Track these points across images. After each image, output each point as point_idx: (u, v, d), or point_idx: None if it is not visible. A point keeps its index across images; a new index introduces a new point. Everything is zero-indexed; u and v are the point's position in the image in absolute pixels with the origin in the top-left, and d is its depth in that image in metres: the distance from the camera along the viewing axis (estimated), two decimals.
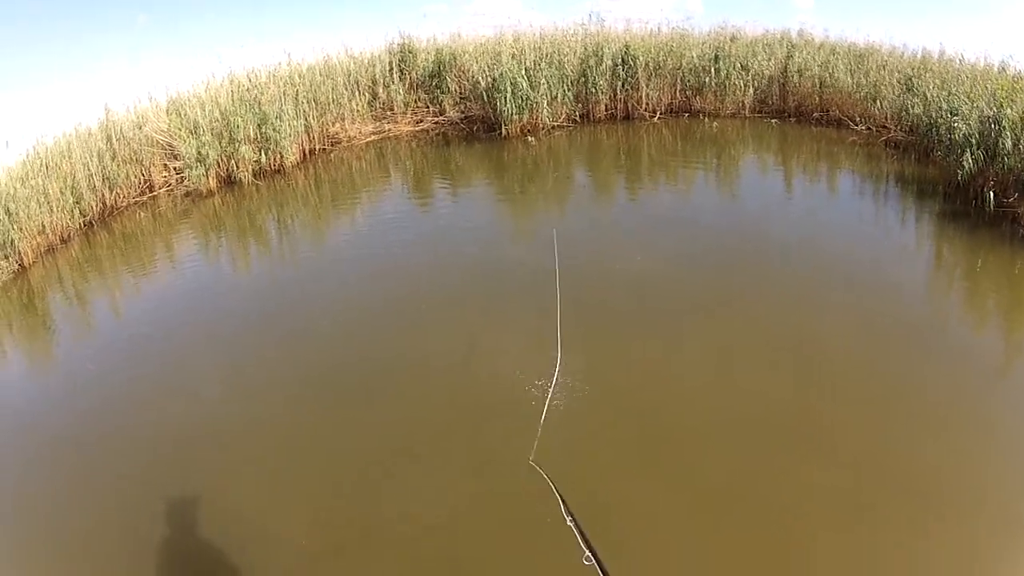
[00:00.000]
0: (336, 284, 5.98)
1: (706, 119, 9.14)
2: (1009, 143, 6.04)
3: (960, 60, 8.78)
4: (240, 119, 8.65)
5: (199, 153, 8.54)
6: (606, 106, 9.19)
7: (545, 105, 8.83)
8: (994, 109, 6.42)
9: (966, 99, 6.98)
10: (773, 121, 9.22)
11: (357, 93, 9.51)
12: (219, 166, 8.70)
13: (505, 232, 6.83)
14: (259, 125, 8.75)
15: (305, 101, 9.19)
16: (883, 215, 6.36)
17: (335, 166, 9.16)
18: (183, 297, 6.29)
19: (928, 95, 7.92)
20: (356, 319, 5.19)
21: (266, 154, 8.79)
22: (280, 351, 4.87)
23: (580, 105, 9.17)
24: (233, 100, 9.00)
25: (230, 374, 4.66)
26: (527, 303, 4.91)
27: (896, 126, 9.11)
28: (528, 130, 8.95)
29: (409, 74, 9.60)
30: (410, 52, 9.62)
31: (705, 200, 7.20)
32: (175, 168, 8.92)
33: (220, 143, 8.66)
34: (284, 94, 9.08)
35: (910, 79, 8.72)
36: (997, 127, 6.20)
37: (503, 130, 8.88)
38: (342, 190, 8.60)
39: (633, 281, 5.18)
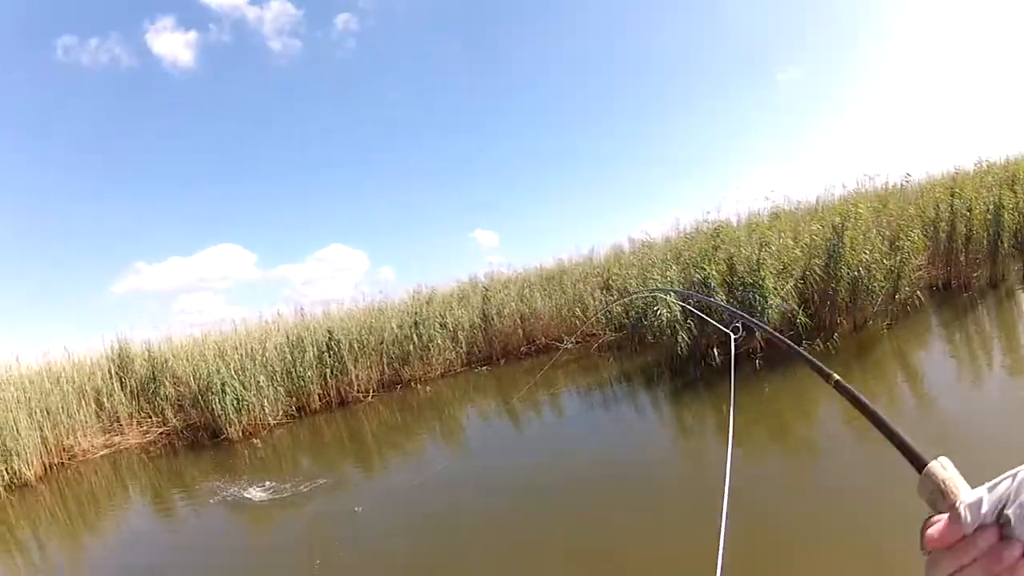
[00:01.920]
0: None
1: (418, 386, 9.63)
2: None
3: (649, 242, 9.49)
4: None
5: None
6: (319, 395, 9.54)
7: (263, 404, 9.19)
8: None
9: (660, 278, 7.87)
10: (483, 369, 9.80)
11: (83, 402, 9.58)
12: None
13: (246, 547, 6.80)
14: None
15: (38, 411, 9.27)
16: (624, 412, 6.71)
17: (75, 482, 9.45)
18: None
19: (629, 288, 8.67)
20: None
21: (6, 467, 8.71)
22: None
23: (294, 399, 9.50)
24: None
25: None
26: None
27: (604, 329, 9.82)
28: (250, 432, 9.36)
29: (128, 381, 9.66)
30: (128, 356, 9.61)
31: (438, 459, 7.33)
32: None
33: None
34: (18, 401, 9.06)
35: (606, 280, 9.39)
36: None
37: (227, 435, 9.29)
38: (86, 510, 9.01)
39: None
